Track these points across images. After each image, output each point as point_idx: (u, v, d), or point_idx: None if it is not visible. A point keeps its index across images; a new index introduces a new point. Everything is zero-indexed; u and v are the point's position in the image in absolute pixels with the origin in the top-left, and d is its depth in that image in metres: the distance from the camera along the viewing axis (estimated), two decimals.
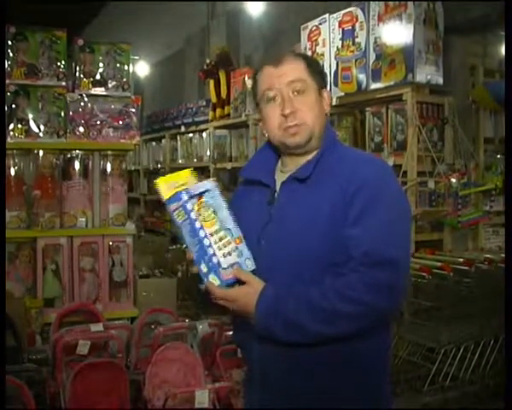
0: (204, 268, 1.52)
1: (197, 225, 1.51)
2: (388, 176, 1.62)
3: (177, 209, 1.53)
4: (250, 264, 1.55)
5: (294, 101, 1.60)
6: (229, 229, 1.55)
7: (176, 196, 1.53)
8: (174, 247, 5.50)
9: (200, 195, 1.54)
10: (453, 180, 3.62)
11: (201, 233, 1.51)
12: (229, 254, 1.53)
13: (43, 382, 2.57)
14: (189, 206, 1.51)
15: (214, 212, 1.54)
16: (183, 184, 1.58)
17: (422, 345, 3.26)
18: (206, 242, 1.51)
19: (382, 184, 1.56)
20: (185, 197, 1.52)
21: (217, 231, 1.53)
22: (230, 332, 2.75)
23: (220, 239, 1.53)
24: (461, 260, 3.31)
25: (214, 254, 1.51)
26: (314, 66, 1.68)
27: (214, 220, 1.54)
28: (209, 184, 1.57)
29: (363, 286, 1.44)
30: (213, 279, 1.51)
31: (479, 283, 3.26)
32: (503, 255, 3.21)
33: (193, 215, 1.51)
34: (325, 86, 1.70)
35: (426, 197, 3.61)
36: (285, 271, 1.55)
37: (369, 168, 1.58)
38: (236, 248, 1.54)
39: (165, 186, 1.58)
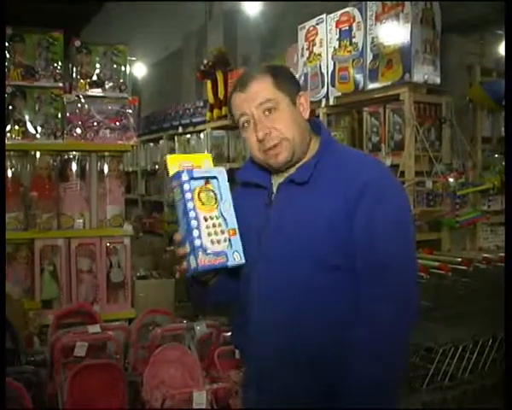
0: (187, 248, 1.52)
1: (189, 205, 1.50)
2: (389, 177, 1.63)
3: (175, 187, 1.54)
4: (238, 257, 1.54)
5: (267, 121, 1.57)
6: (225, 219, 1.54)
7: (177, 175, 1.53)
8: (172, 248, 5.48)
9: (207, 180, 1.54)
10: (451, 180, 3.61)
11: (192, 214, 1.50)
12: (218, 242, 1.52)
13: (41, 384, 2.57)
14: (185, 186, 1.51)
15: (216, 199, 1.55)
16: (193, 166, 1.58)
17: (421, 345, 3.25)
18: (193, 223, 1.50)
19: (385, 185, 1.57)
20: (185, 177, 1.51)
21: (212, 218, 1.53)
22: (228, 333, 2.75)
23: (213, 226, 1.53)
24: (459, 259, 3.29)
25: (199, 237, 1.50)
26: (282, 77, 1.63)
27: (214, 207, 1.54)
28: (217, 171, 1.57)
29: (387, 305, 1.46)
30: (191, 262, 1.51)
31: (477, 282, 3.26)
32: (502, 254, 3.21)
33: (188, 195, 1.51)
34: (299, 91, 1.65)
35: (424, 197, 3.60)
36: (283, 273, 1.54)
37: (369, 171, 1.57)
38: (229, 239, 1.54)
39: (175, 164, 1.58)
